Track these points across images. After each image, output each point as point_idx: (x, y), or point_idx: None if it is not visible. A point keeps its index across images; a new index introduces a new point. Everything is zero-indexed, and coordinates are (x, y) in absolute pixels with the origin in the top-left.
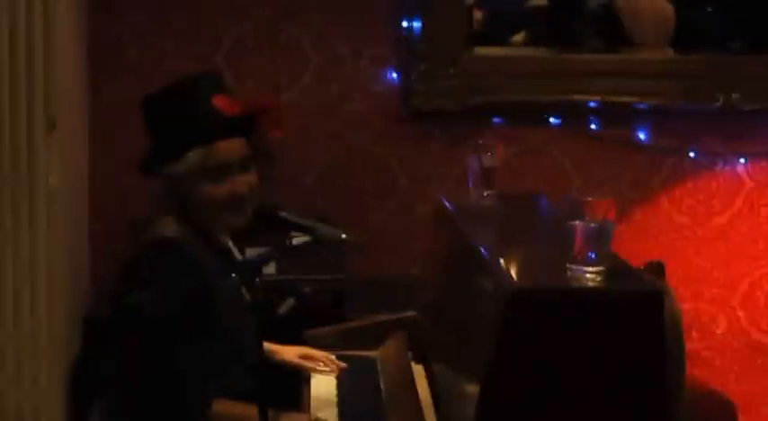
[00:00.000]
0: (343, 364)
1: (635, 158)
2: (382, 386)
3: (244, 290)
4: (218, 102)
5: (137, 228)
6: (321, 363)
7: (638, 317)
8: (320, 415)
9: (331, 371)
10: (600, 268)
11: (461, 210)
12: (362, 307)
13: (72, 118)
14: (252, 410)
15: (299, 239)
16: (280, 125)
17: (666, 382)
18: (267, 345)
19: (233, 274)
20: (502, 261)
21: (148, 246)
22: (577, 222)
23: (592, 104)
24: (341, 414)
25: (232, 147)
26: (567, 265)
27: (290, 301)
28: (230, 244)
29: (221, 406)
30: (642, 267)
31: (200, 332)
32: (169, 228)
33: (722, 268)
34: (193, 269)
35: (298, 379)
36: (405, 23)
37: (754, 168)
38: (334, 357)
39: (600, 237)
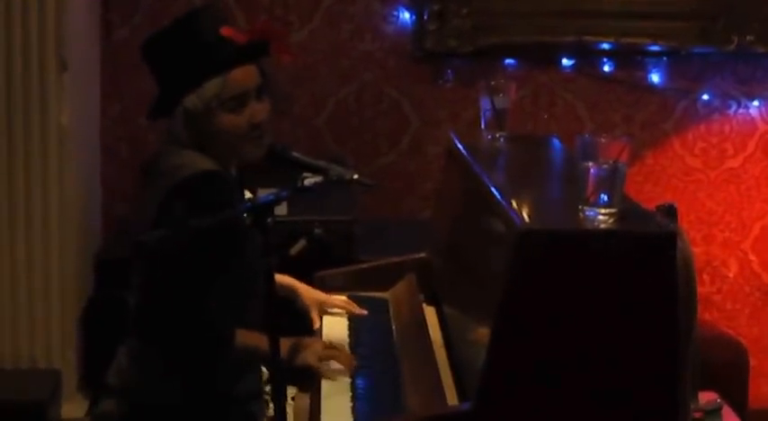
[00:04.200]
0: (363, 311)
1: (647, 101)
2: (394, 327)
3: (256, 230)
4: (226, 31)
5: (151, 163)
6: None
7: (650, 259)
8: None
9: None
10: (612, 210)
11: (473, 151)
12: (374, 248)
13: (83, 59)
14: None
15: (310, 180)
16: (288, 50)
17: (678, 325)
18: (290, 282)
19: (245, 215)
20: (513, 202)
21: (192, 179)
22: (590, 163)
23: (605, 46)
24: (353, 355)
25: (246, 75)
26: (579, 207)
27: (302, 242)
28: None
29: (239, 336)
30: (654, 210)
31: (225, 270)
32: (199, 162)
33: (734, 212)
34: (232, 203)
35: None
36: None
37: None
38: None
39: (612, 179)
